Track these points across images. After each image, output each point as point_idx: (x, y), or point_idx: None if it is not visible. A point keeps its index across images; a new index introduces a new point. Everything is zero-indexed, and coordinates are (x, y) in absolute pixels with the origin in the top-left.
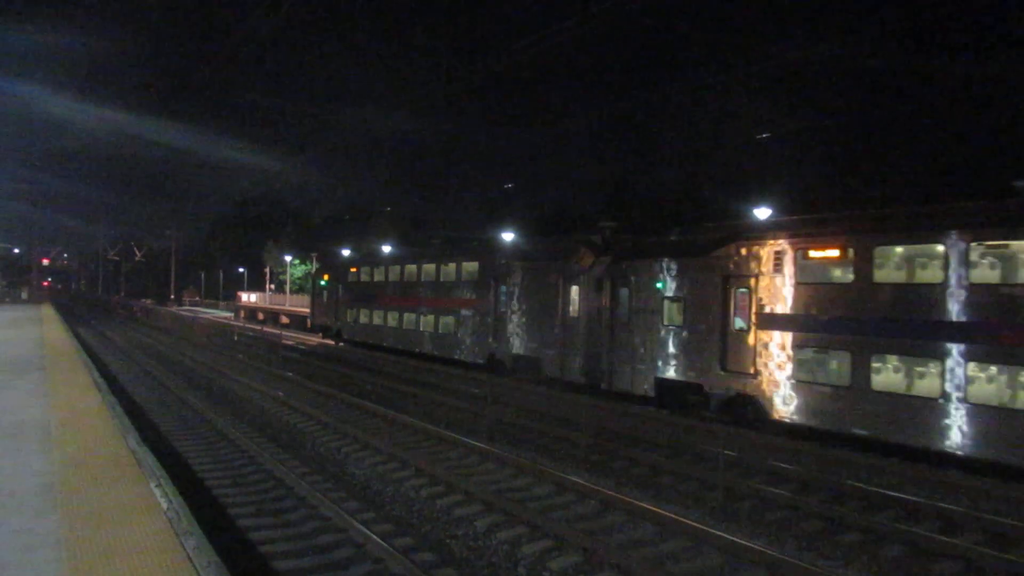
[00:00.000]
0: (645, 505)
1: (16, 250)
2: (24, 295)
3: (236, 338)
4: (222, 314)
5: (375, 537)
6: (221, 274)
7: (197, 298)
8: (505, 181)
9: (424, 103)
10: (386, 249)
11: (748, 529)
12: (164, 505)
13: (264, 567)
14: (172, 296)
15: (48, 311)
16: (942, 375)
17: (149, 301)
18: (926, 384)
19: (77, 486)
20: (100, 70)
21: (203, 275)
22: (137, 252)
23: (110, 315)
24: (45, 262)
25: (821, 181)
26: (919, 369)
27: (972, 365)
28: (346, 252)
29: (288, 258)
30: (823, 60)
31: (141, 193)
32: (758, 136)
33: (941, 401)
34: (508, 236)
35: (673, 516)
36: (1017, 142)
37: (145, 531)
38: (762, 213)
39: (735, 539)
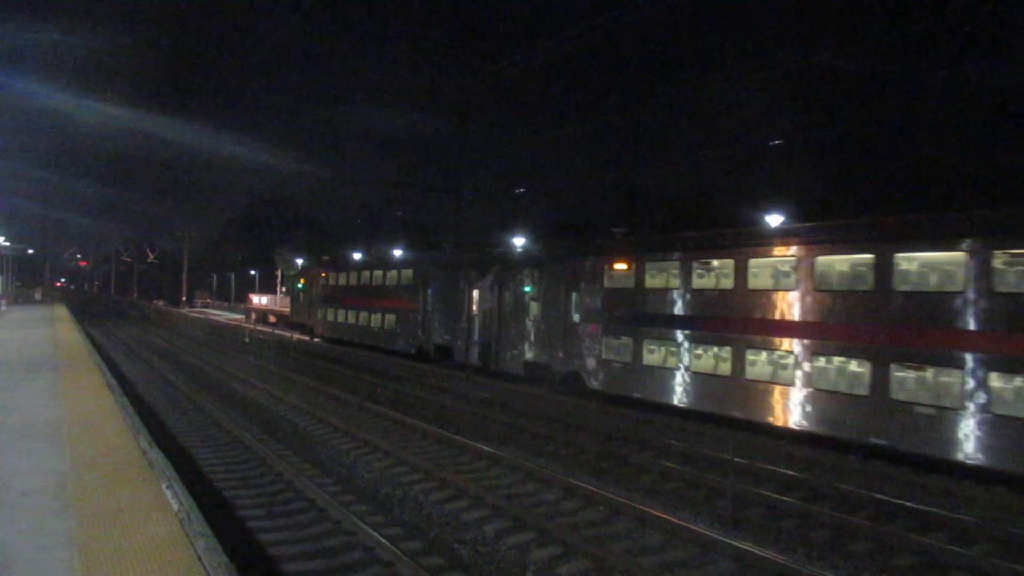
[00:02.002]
0: (654, 511)
1: (30, 250)
2: (37, 295)
3: (247, 340)
4: (233, 316)
5: (384, 540)
6: (233, 276)
7: (208, 300)
8: (518, 185)
9: (436, 106)
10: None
11: (757, 537)
12: (175, 506)
13: (273, 569)
14: (184, 298)
15: (61, 312)
16: (678, 353)
17: (161, 302)
18: (673, 360)
19: (89, 486)
20: (115, 71)
21: (215, 277)
22: (150, 254)
23: (122, 316)
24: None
25: (831, 187)
26: (671, 349)
27: (693, 345)
28: (357, 255)
29: (300, 261)
30: (829, 65)
31: (154, 195)
32: (771, 143)
33: (679, 371)
34: (513, 242)
35: (682, 523)
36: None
37: (156, 531)
38: (774, 220)
39: (744, 547)
